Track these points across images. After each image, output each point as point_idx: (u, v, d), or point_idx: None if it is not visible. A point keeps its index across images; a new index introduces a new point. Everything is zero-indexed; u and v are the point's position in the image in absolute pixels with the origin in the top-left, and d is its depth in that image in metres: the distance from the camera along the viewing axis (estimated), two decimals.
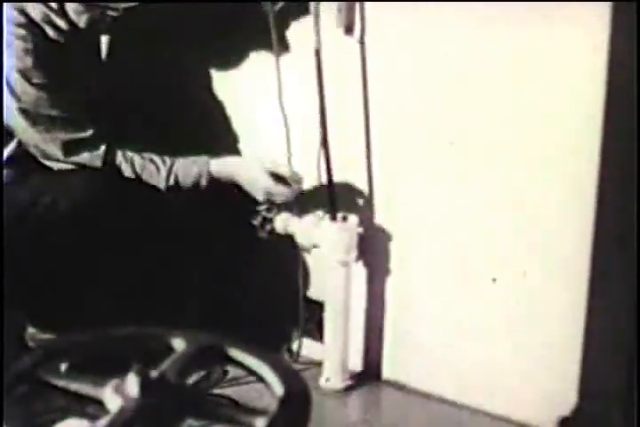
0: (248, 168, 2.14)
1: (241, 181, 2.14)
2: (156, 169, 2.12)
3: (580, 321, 1.86)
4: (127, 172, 2.11)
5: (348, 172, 2.15)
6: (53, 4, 2.04)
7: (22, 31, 2.02)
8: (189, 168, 2.13)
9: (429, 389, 2.15)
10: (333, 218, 2.13)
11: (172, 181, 2.12)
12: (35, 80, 2.03)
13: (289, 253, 2.24)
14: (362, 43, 2.04)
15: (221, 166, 2.15)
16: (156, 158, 2.13)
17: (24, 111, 2.05)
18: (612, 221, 1.80)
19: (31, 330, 2.19)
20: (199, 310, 2.30)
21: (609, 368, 1.88)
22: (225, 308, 2.33)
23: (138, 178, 2.12)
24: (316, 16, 2.03)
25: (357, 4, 2.02)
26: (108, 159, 2.10)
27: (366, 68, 2.05)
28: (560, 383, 1.92)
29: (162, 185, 2.12)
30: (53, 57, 2.06)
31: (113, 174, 2.11)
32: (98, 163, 2.10)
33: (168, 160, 2.13)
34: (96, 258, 2.08)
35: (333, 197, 2.14)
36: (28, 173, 2.10)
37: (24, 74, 2.02)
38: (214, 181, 2.14)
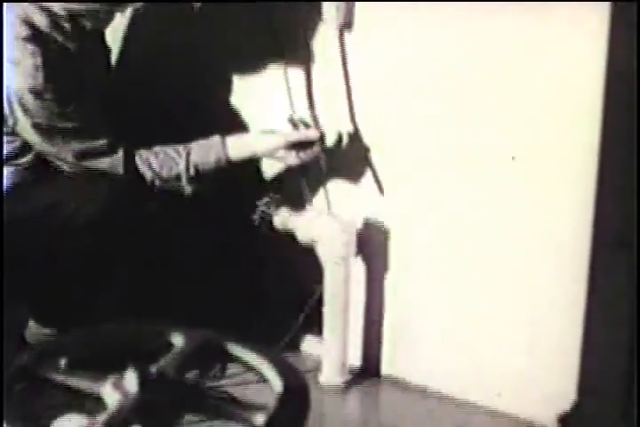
0: (266, 141, 2.12)
1: (261, 155, 2.14)
2: (174, 163, 2.09)
3: (579, 320, 1.86)
4: (148, 175, 2.09)
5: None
6: (59, 11, 2.02)
7: (30, 46, 1.98)
8: (206, 155, 2.10)
9: (428, 385, 2.15)
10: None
11: (192, 172, 2.09)
12: (47, 96, 2.00)
13: (295, 249, 2.25)
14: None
15: (238, 146, 2.11)
16: (171, 151, 2.10)
17: (38, 126, 2.03)
18: (611, 221, 1.80)
19: (32, 325, 2.20)
20: (200, 307, 2.30)
21: (608, 367, 1.88)
22: (226, 305, 2.34)
23: (159, 178, 2.12)
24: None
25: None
26: (129, 166, 2.09)
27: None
28: (560, 381, 1.92)
29: (183, 178, 2.10)
30: (64, 69, 2.03)
31: (134, 181, 2.10)
32: (119, 170, 2.08)
33: (183, 151, 2.10)
34: (108, 260, 2.09)
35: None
36: (49, 178, 2.10)
37: (36, 92, 1.99)
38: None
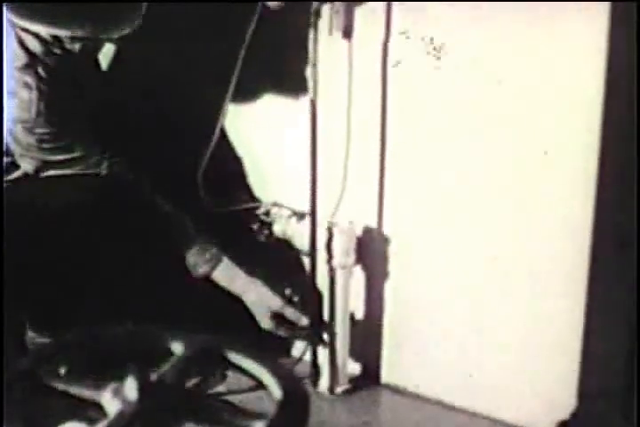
0: (257, 296, 2.12)
1: (238, 296, 2.12)
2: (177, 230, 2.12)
3: (579, 322, 1.86)
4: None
5: (354, 176, 2.14)
6: (46, 35, 1.98)
7: (26, 77, 1.98)
8: (197, 255, 2.10)
9: (428, 392, 2.15)
10: None
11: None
12: (37, 130, 2.01)
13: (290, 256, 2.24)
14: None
15: (228, 274, 2.11)
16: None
17: (27, 155, 2.05)
18: (611, 222, 1.80)
19: (30, 333, 2.18)
20: (199, 314, 2.29)
21: (608, 370, 1.88)
22: (225, 312, 2.33)
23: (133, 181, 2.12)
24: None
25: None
26: (109, 169, 2.10)
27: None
28: (559, 385, 1.92)
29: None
30: (57, 100, 2.02)
31: (106, 179, 2.10)
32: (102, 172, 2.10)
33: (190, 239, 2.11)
34: (91, 261, 2.07)
35: None
36: (23, 180, 2.10)
37: (26, 125, 2.00)
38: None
